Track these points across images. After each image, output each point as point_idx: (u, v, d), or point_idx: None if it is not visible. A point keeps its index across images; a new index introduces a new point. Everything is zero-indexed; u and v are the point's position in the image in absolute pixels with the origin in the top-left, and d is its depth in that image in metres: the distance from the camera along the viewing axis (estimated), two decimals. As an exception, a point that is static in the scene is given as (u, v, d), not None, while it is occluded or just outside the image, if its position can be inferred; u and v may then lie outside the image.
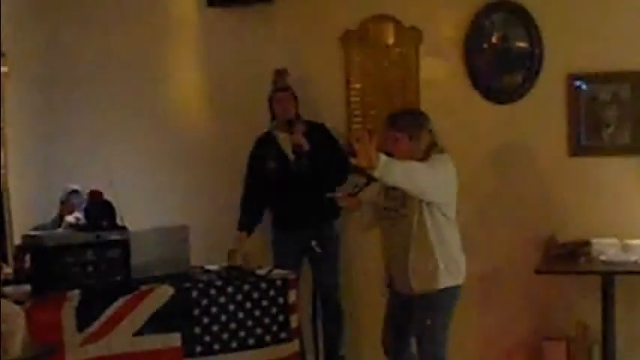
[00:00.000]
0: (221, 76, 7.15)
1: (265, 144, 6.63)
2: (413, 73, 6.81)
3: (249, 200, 6.64)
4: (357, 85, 6.93)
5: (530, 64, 6.58)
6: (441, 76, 6.75)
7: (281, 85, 6.61)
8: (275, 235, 6.67)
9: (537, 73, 6.58)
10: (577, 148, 6.54)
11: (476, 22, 6.66)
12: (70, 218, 6.33)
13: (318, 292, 6.43)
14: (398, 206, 5.25)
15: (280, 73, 6.63)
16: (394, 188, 5.19)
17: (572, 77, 6.50)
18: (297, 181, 6.39)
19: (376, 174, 4.82)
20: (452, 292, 5.25)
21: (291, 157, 6.47)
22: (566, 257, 6.21)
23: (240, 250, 6.23)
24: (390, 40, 6.89)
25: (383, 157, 4.79)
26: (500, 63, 6.67)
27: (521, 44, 6.61)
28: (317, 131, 6.57)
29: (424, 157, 5.23)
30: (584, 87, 6.49)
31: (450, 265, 5.22)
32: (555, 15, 6.50)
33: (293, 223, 6.49)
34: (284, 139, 6.54)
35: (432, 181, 5.09)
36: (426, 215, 5.18)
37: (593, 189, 6.47)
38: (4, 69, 6.76)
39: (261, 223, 6.66)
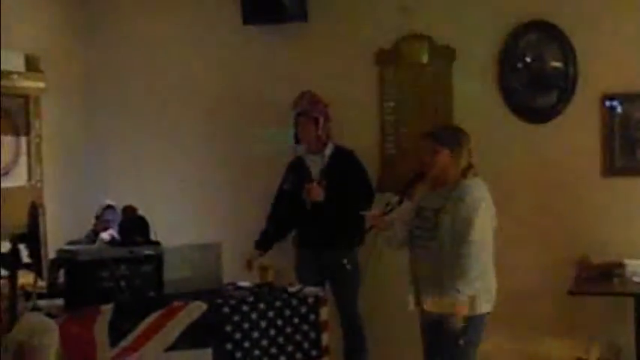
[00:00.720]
0: (256, 94, 7.17)
1: (296, 167, 6.66)
2: (446, 91, 6.82)
3: (272, 219, 6.67)
4: (391, 104, 6.95)
5: (565, 84, 6.57)
6: (474, 95, 6.74)
7: (298, 110, 6.62)
8: (298, 255, 6.64)
9: (571, 93, 6.57)
10: (611, 169, 6.51)
11: (510, 41, 6.66)
12: (104, 235, 6.35)
13: (340, 317, 6.44)
14: (431, 227, 5.22)
15: (301, 97, 6.64)
16: (429, 209, 5.21)
17: (606, 97, 6.48)
18: (321, 206, 6.38)
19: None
20: (482, 319, 5.21)
21: (317, 177, 6.49)
22: (600, 278, 6.18)
23: (251, 269, 6.32)
24: (424, 59, 6.89)
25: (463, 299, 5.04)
26: (535, 83, 6.66)
27: (556, 64, 6.60)
28: (344, 157, 6.56)
29: (460, 176, 5.21)
30: (618, 107, 6.47)
31: (484, 290, 5.18)
32: (590, 35, 6.50)
33: (315, 244, 6.45)
34: (312, 162, 6.57)
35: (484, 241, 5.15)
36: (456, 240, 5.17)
37: (626, 210, 6.44)
38: (40, 85, 6.83)
39: (279, 242, 6.66)
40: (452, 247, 5.12)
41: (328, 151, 6.56)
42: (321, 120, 6.55)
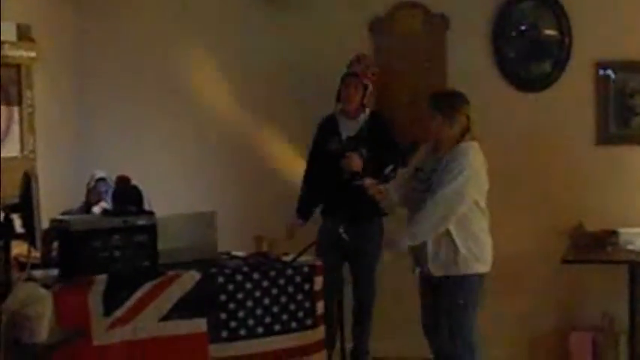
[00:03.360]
0: (251, 65, 7.14)
1: (327, 127, 6.57)
2: (440, 60, 6.80)
3: (308, 186, 6.62)
4: (385, 72, 6.91)
5: (559, 52, 6.56)
6: (468, 64, 6.73)
7: (353, 70, 6.52)
8: (322, 225, 6.56)
9: (566, 61, 6.57)
10: (605, 137, 6.52)
11: (505, 9, 6.65)
12: (96, 209, 6.34)
13: (353, 287, 6.45)
14: (424, 189, 5.25)
15: (355, 58, 6.57)
16: (425, 171, 5.23)
17: (601, 65, 6.48)
18: (356, 173, 6.19)
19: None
20: (478, 278, 5.25)
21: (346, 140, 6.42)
22: (594, 246, 6.20)
23: (291, 237, 6.36)
24: (418, 27, 6.87)
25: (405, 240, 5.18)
26: (529, 51, 6.65)
27: (550, 32, 6.59)
28: (378, 124, 6.48)
29: (455, 140, 5.24)
30: (612, 75, 6.47)
31: (472, 252, 5.21)
32: (584, 3, 6.49)
33: (339, 213, 6.14)
34: (343, 124, 6.49)
35: (458, 202, 5.15)
36: None
37: (620, 178, 6.45)
38: (31, 54, 6.78)
39: (317, 208, 6.61)
40: None
41: (363, 118, 6.48)
42: (370, 88, 6.50)
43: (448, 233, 5.18)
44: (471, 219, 5.23)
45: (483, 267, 5.27)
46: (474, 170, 5.20)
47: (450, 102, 5.36)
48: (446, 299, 5.28)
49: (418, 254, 5.35)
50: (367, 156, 6.27)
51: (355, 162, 6.26)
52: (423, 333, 5.51)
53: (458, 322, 5.27)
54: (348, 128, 6.48)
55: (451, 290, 5.25)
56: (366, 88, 6.49)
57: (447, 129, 5.27)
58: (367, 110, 6.50)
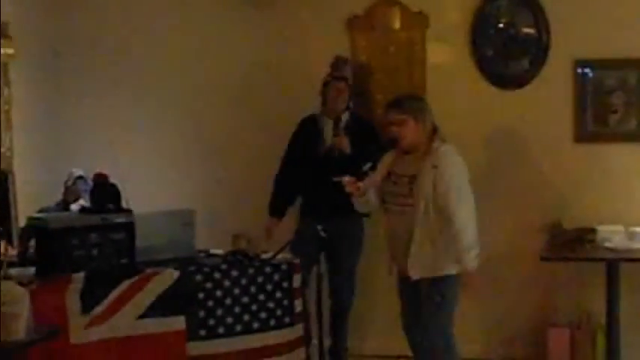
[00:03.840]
0: (229, 64, 7.12)
1: (308, 126, 6.57)
2: (419, 58, 6.81)
3: (283, 182, 6.61)
4: (364, 71, 6.91)
5: (537, 50, 6.58)
6: (447, 62, 6.75)
7: (339, 74, 6.54)
8: (300, 223, 6.57)
9: (544, 59, 6.59)
10: (583, 135, 6.54)
11: (482, 7, 6.66)
12: (74, 207, 6.32)
13: (330, 285, 6.45)
14: (406, 193, 5.26)
15: (340, 61, 6.58)
16: (402, 175, 5.23)
17: (579, 63, 6.51)
18: (331, 169, 6.00)
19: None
20: (454, 279, 5.26)
21: (329, 143, 6.43)
22: (572, 244, 6.21)
23: (270, 237, 6.32)
24: (397, 25, 6.88)
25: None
26: (507, 49, 6.67)
27: (528, 30, 6.61)
28: (361, 123, 6.50)
29: (427, 141, 5.26)
30: (590, 73, 6.49)
31: (452, 253, 5.21)
32: (562, 1, 6.50)
33: (319, 212, 6.28)
34: (326, 125, 6.49)
35: (470, 202, 5.25)
36: (433, 207, 5.20)
37: (598, 175, 6.48)
38: (9, 51, 6.75)
39: (291, 207, 6.62)
40: (434, 214, 5.19)
41: (344, 118, 6.47)
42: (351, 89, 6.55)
43: (431, 235, 5.20)
44: (455, 220, 5.24)
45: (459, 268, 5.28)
46: (460, 170, 5.24)
47: (416, 104, 5.41)
48: (424, 298, 5.29)
49: (396, 254, 5.36)
50: (349, 156, 6.27)
51: (344, 142, 6.32)
52: (403, 330, 5.51)
53: (436, 319, 5.29)
54: (329, 130, 6.48)
55: (429, 289, 5.26)
56: (350, 89, 6.53)
57: (421, 132, 5.30)
58: (347, 112, 6.51)
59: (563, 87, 6.55)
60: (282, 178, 6.62)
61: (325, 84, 6.53)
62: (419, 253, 5.22)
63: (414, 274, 5.26)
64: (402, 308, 5.53)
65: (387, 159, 5.39)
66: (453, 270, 5.24)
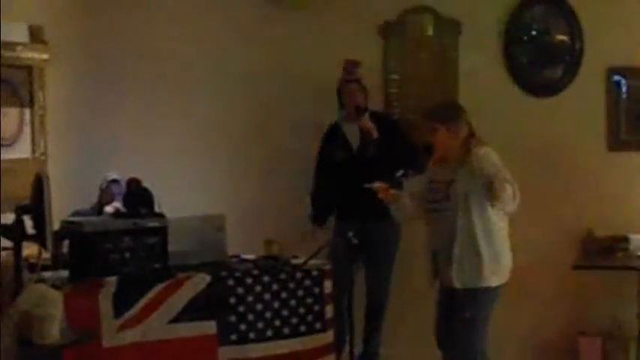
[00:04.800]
0: (261, 69, 7.14)
1: (332, 135, 6.60)
2: (452, 64, 6.79)
3: (319, 193, 6.64)
4: (396, 77, 6.92)
5: (570, 57, 6.55)
6: (480, 69, 6.72)
7: (351, 77, 6.56)
8: (336, 226, 6.58)
9: (577, 66, 6.55)
10: (616, 143, 6.50)
11: (516, 14, 6.63)
12: (109, 209, 6.38)
13: (367, 288, 6.45)
14: (442, 199, 5.25)
15: (352, 64, 6.59)
16: (441, 182, 5.23)
17: (612, 71, 6.47)
18: (362, 172, 6.09)
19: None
20: (495, 290, 5.25)
21: (356, 146, 6.44)
22: (604, 252, 6.19)
23: (313, 239, 6.30)
24: (429, 32, 6.87)
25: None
26: (540, 56, 6.64)
27: (562, 37, 6.58)
28: (384, 121, 6.52)
29: (463, 148, 5.25)
30: (623, 81, 6.45)
31: (495, 262, 5.20)
32: (596, 8, 6.47)
33: (355, 215, 6.31)
34: (349, 130, 6.50)
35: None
36: (473, 210, 5.18)
37: (631, 184, 6.44)
38: (44, 56, 6.80)
39: (332, 215, 6.63)
40: (477, 219, 5.17)
41: (365, 118, 6.46)
42: (367, 90, 6.56)
43: (474, 243, 5.18)
44: (496, 227, 5.23)
45: (497, 280, 5.26)
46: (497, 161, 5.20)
47: (449, 112, 5.41)
48: (456, 311, 5.27)
49: (440, 265, 5.33)
50: (377, 157, 6.27)
51: (369, 125, 6.34)
52: (437, 344, 5.49)
53: (464, 335, 5.26)
54: (354, 132, 6.48)
55: (462, 303, 5.24)
56: (365, 90, 6.55)
57: (453, 140, 5.29)
58: (367, 112, 6.50)
59: (597, 95, 6.52)
60: (317, 190, 6.65)
61: (339, 89, 6.57)
62: (461, 263, 5.20)
63: (458, 283, 5.22)
64: (437, 320, 5.49)
65: (427, 173, 5.41)
66: (492, 282, 5.22)
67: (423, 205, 5.39)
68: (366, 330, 6.55)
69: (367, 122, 6.37)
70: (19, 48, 6.52)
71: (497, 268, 5.22)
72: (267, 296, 5.48)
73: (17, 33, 6.48)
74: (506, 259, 5.28)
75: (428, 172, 5.42)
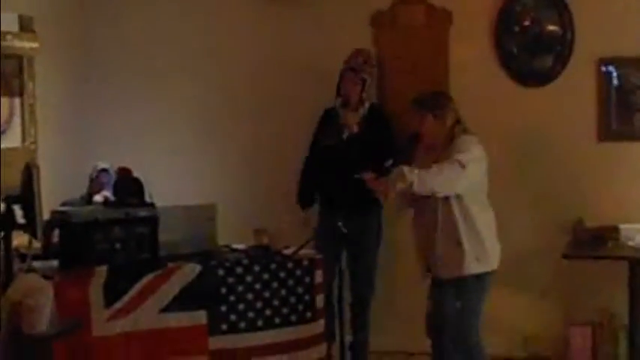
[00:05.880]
0: (251, 59, 7.14)
1: (326, 119, 6.60)
2: (443, 55, 6.80)
3: (305, 175, 6.64)
4: (387, 66, 6.91)
5: (561, 47, 6.55)
6: (471, 59, 6.72)
7: (351, 65, 6.54)
8: (320, 219, 6.58)
9: (568, 57, 6.56)
10: (607, 133, 6.51)
11: (507, 4, 6.64)
12: (98, 198, 6.37)
13: (351, 281, 6.43)
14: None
15: (354, 53, 6.58)
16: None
17: (603, 62, 6.47)
18: (345, 163, 6.16)
19: (414, 188, 5.04)
20: (482, 278, 5.25)
21: (347, 134, 6.43)
22: (594, 242, 6.20)
23: (308, 225, 6.38)
24: (421, 22, 6.86)
25: (407, 172, 5.03)
26: (531, 46, 6.64)
27: (553, 28, 6.58)
28: (375, 113, 6.53)
29: (449, 136, 5.28)
30: (614, 71, 6.46)
31: (479, 251, 5.21)
32: (587, -1, 6.48)
33: (339, 208, 6.22)
34: (344, 116, 6.49)
35: (459, 172, 5.11)
36: (453, 202, 5.19)
37: (622, 174, 6.45)
38: (33, 45, 6.78)
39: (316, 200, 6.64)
40: (446, 212, 5.15)
41: (363, 110, 6.48)
42: (368, 82, 6.52)
43: (456, 234, 5.19)
44: (478, 216, 5.24)
45: (489, 266, 5.27)
46: (476, 156, 5.21)
47: (436, 100, 5.44)
48: (450, 301, 5.28)
49: (429, 259, 5.35)
50: (366, 149, 6.27)
51: (351, 120, 6.39)
52: (427, 335, 5.50)
53: (460, 322, 5.28)
54: (349, 121, 6.47)
55: (452, 292, 5.26)
56: (364, 81, 6.50)
57: (440, 127, 5.32)
58: (366, 103, 6.50)
59: (587, 85, 6.53)
60: (308, 169, 6.64)
61: (340, 75, 6.56)
62: (444, 254, 5.22)
63: (442, 273, 5.25)
64: (428, 310, 5.50)
65: (417, 157, 5.42)
66: (477, 269, 5.23)
67: (409, 195, 5.39)
68: (354, 319, 6.54)
69: (349, 117, 6.40)
70: (8, 37, 6.49)
71: (482, 253, 5.22)
72: (257, 286, 5.47)
73: (7, 23, 6.45)
74: (491, 245, 5.29)
75: (415, 161, 5.42)
